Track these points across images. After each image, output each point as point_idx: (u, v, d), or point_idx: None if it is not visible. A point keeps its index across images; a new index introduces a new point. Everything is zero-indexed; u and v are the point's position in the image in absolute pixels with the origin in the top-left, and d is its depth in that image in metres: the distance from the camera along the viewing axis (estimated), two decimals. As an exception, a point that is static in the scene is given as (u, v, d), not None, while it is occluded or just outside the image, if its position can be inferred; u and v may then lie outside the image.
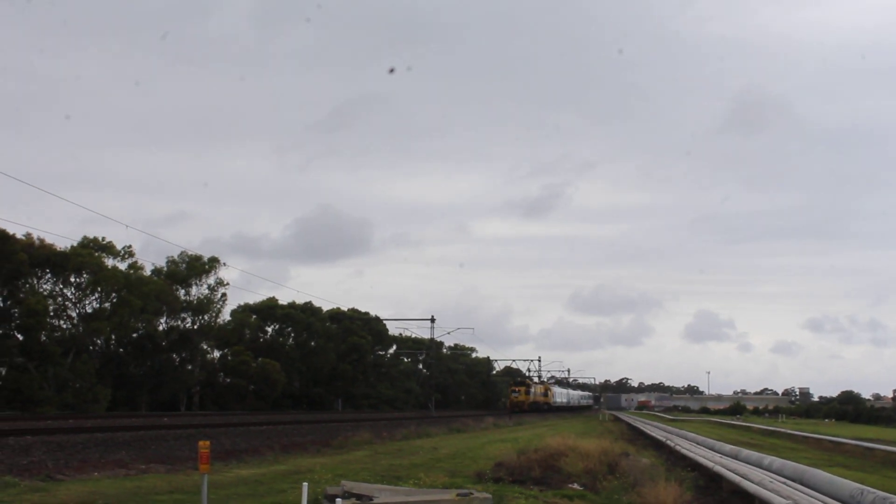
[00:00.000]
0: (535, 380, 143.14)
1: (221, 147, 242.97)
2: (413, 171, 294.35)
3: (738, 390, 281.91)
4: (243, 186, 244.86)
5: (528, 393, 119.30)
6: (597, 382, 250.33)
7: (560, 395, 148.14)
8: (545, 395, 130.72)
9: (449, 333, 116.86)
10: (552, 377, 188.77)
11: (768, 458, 22.95)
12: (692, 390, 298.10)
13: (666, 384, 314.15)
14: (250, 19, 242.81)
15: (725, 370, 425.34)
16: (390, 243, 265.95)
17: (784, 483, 18.08)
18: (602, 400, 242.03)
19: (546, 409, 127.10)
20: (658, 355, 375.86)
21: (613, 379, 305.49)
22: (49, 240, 71.08)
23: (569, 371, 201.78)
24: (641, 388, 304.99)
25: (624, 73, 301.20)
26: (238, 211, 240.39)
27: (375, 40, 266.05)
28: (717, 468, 22.31)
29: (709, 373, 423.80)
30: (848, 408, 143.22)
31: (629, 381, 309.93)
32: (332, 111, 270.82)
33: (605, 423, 78.48)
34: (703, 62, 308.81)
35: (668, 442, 37.60)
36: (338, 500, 12.21)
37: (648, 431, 53.90)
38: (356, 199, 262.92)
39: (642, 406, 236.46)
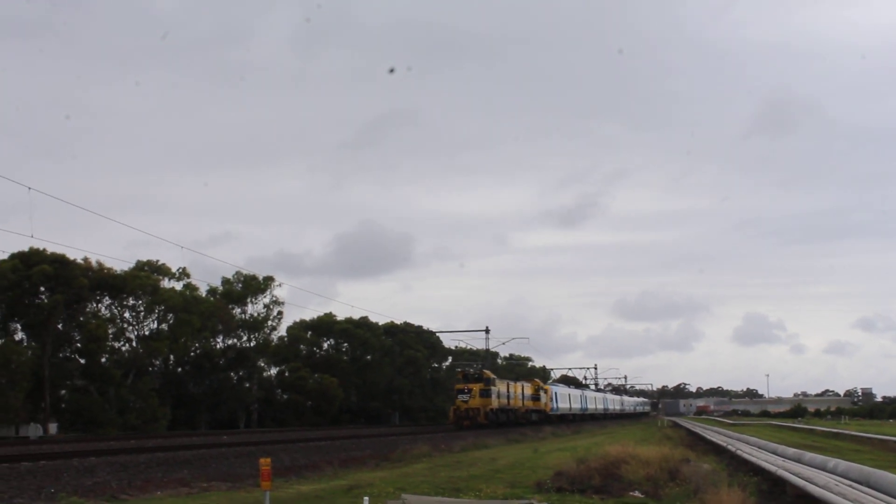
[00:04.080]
0: (545, 382, 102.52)
1: (259, 167, 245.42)
2: (450, 185, 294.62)
3: (799, 392, 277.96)
4: (282, 205, 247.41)
5: (486, 395, 70.27)
6: (654, 388, 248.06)
7: (568, 400, 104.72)
8: (531, 398, 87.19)
9: (504, 344, 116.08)
10: (609, 385, 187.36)
11: (833, 461, 22.56)
12: (751, 394, 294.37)
13: (724, 388, 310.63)
14: (290, 42, 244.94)
15: (782, 373, 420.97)
16: (433, 257, 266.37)
17: (850, 486, 17.77)
18: (660, 406, 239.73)
19: (532, 419, 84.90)
20: (713, 360, 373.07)
21: (671, 384, 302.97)
22: (107, 264, 72.33)
23: (626, 378, 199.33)
24: (700, 394, 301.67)
25: (661, 80, 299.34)
26: (279, 229, 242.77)
27: (411, 55, 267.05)
28: (781, 472, 21.99)
29: (768, 375, 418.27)
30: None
31: (687, 387, 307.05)
32: (365, 128, 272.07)
33: (664, 429, 77.71)
34: (739, 66, 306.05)
35: (729, 447, 37.15)
36: (399, 513, 12.12)
37: (708, 437, 53.28)
38: (395, 215, 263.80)
39: (701, 411, 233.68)
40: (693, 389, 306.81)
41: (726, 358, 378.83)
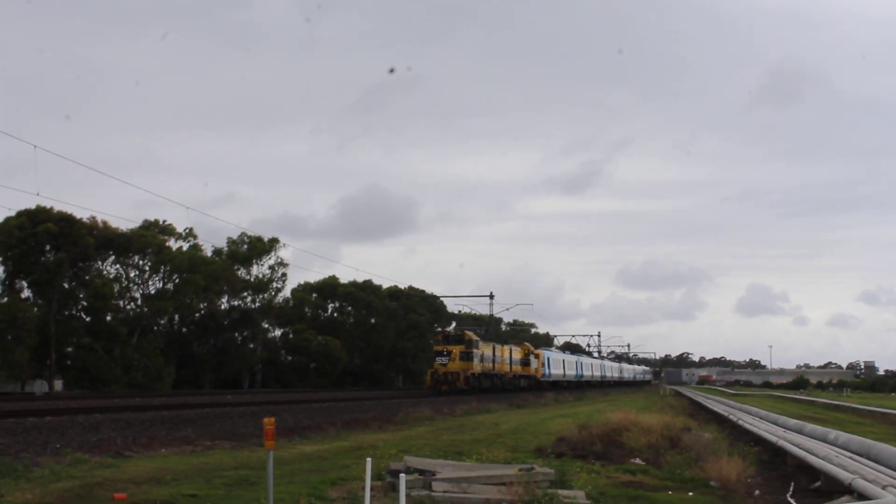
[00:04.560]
0: (538, 349, 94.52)
1: (262, 129, 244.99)
2: (455, 151, 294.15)
3: (801, 364, 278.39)
4: (286, 168, 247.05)
5: (467, 358, 65.16)
6: (657, 357, 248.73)
7: (562, 366, 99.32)
8: (520, 362, 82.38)
9: (508, 310, 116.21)
10: (612, 352, 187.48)
11: (834, 433, 22.60)
12: (754, 364, 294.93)
13: (728, 359, 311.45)
14: (295, 4, 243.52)
15: (785, 344, 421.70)
16: (436, 221, 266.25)
17: (851, 458, 17.83)
18: (663, 375, 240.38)
19: (521, 385, 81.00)
20: (716, 330, 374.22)
21: (674, 354, 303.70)
22: (112, 223, 72.43)
23: (629, 346, 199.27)
24: (703, 363, 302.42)
25: (668, 48, 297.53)
26: (283, 192, 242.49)
27: (417, 19, 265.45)
28: (781, 443, 22.06)
29: (770, 347, 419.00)
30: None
31: (690, 356, 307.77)
32: (369, 91, 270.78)
33: (666, 397, 77.96)
34: (747, 35, 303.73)
35: (731, 417, 37.28)
36: (401, 475, 12.29)
37: (710, 406, 53.45)
38: (399, 179, 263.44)
39: (703, 381, 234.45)
40: (696, 359, 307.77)
41: (729, 328, 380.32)
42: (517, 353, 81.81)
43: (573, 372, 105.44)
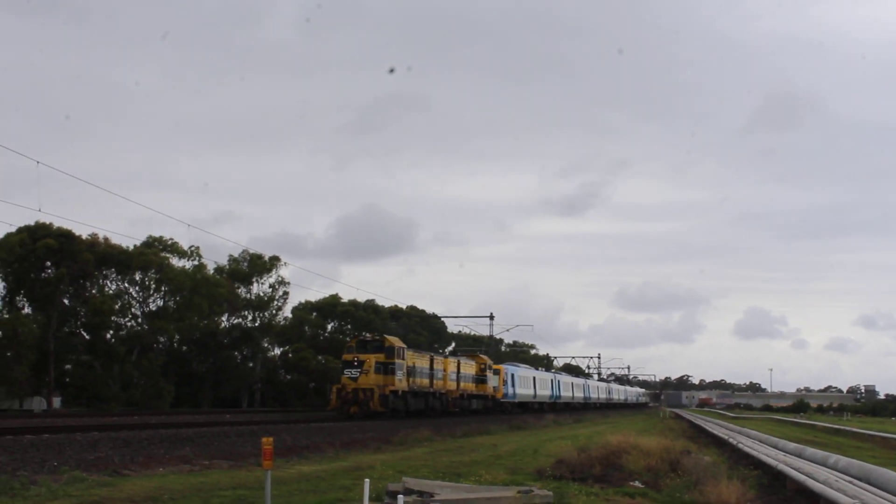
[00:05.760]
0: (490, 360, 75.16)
1: (262, 149, 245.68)
2: (454, 171, 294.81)
3: (802, 388, 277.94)
4: (285, 187, 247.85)
5: (386, 370, 50.90)
6: (657, 379, 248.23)
7: (531, 385, 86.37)
8: (474, 379, 68.34)
9: (508, 331, 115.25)
10: (612, 374, 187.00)
11: (834, 457, 22.57)
12: (754, 388, 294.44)
13: (727, 381, 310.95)
14: (295, 26, 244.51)
15: (784, 367, 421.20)
16: (434, 242, 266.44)
17: (850, 482, 17.78)
18: (662, 397, 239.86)
19: (472, 407, 67.41)
20: (715, 352, 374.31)
21: (674, 376, 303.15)
22: (113, 240, 72.40)
23: (629, 368, 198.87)
24: (703, 386, 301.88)
25: (668, 71, 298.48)
26: (281, 211, 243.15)
27: (417, 41, 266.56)
28: (781, 466, 22.01)
29: (771, 370, 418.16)
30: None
31: (690, 378, 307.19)
32: (366, 111, 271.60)
33: (666, 420, 77.85)
34: (747, 59, 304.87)
35: (731, 440, 37.20)
36: (400, 496, 12.26)
37: (710, 429, 53.37)
38: (397, 199, 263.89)
39: (703, 403, 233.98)
40: (696, 381, 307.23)
41: (728, 351, 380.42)
42: (468, 368, 67.79)
43: (547, 392, 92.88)
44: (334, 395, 50.31)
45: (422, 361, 57.35)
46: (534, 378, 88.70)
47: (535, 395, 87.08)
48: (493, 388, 72.62)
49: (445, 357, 65.05)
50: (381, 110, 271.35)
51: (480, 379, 69.47)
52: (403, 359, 52.88)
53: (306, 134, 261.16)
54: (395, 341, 53.05)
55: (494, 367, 74.55)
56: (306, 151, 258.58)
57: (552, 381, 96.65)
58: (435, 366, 59.45)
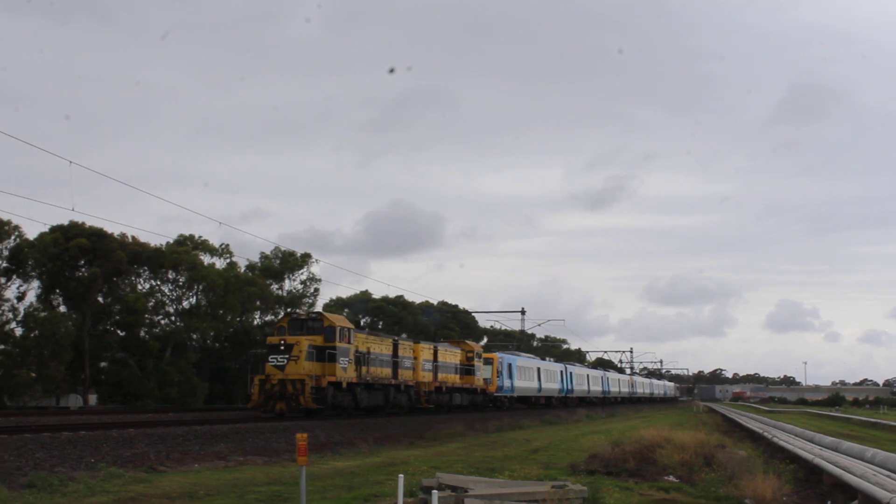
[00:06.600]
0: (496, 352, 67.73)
1: (289, 146, 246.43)
2: (480, 166, 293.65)
3: (837, 381, 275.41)
4: (312, 183, 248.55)
5: (324, 356, 38.13)
6: (690, 373, 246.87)
7: (535, 376, 74.91)
8: (457, 369, 55.90)
9: (539, 325, 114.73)
10: (644, 368, 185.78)
11: (871, 451, 22.33)
12: (788, 381, 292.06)
13: (761, 375, 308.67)
14: (320, 23, 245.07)
15: (818, 361, 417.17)
16: (462, 237, 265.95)
17: (889, 476, 17.60)
18: (696, 391, 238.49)
19: (456, 402, 55.20)
20: (748, 346, 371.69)
21: (707, 370, 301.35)
22: (142, 238, 73.03)
23: (661, 362, 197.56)
24: (736, 380, 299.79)
25: (696, 63, 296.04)
26: (309, 208, 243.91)
27: (442, 35, 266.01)
28: (818, 460, 21.82)
29: (805, 363, 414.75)
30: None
31: (723, 372, 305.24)
32: (390, 108, 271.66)
33: (700, 414, 77.38)
34: (775, 50, 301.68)
35: (765, 434, 36.93)
36: (434, 491, 12.26)
37: (744, 423, 52.99)
38: (425, 195, 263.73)
39: (737, 397, 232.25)
40: (729, 375, 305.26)
41: (760, 344, 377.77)
42: (449, 356, 54.63)
43: (555, 385, 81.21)
44: (256, 389, 38.18)
45: (380, 347, 44.80)
46: (538, 369, 76.98)
47: (539, 389, 75.96)
48: (485, 380, 60.74)
49: (418, 343, 51.29)
50: (405, 107, 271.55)
51: (466, 369, 57.49)
52: (350, 342, 40.34)
53: (332, 130, 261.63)
54: (339, 320, 40.82)
55: (486, 355, 63.41)
56: (330, 148, 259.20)
57: (561, 372, 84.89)
58: (400, 352, 47.12)
